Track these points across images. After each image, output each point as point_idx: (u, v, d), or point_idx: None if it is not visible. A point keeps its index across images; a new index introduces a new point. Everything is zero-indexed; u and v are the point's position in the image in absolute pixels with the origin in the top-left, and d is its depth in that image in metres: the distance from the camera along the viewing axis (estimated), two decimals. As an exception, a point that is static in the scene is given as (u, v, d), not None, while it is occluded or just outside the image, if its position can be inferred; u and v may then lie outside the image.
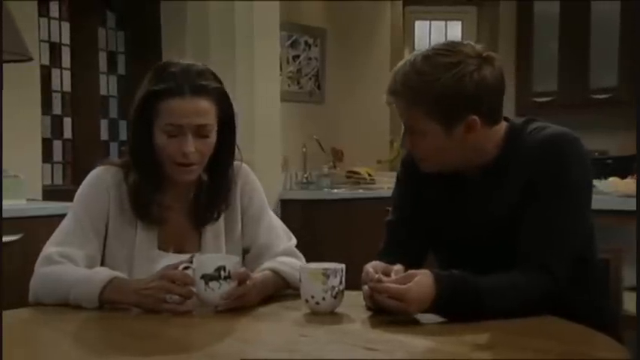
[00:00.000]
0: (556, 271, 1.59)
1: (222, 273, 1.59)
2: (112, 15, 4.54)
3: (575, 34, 4.85)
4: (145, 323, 1.56)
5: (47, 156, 4.17)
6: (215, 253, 1.82)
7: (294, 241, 1.96)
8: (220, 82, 1.81)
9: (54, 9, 4.23)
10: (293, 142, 5.11)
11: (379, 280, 1.52)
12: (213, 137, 1.77)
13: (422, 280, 1.49)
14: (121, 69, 4.62)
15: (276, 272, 1.77)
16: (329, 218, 4.54)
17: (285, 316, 1.61)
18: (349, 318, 1.57)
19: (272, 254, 1.87)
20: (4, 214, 2.86)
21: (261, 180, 1.99)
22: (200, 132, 1.74)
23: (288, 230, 1.99)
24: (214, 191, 1.86)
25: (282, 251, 1.89)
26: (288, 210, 4.57)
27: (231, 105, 1.82)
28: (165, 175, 1.81)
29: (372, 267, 1.58)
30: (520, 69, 5.15)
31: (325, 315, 1.58)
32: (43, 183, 3.99)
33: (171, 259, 1.78)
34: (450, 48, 1.65)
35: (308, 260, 1.76)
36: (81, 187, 1.85)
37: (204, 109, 1.74)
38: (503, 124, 1.73)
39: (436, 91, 1.61)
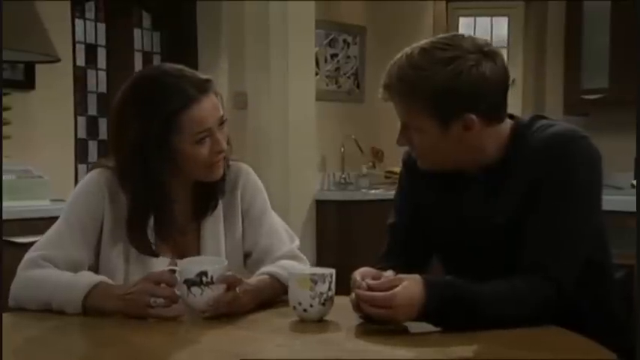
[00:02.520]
0: (560, 276, 1.50)
1: (203, 279, 1.53)
2: (147, 15, 4.55)
3: (627, 29, 4.65)
4: (117, 330, 1.50)
5: (83, 156, 4.19)
6: (203, 256, 1.77)
7: (297, 242, 1.90)
8: None
9: (90, 10, 4.25)
10: (332, 141, 5.04)
11: (369, 288, 1.44)
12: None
13: (410, 285, 1.41)
14: (157, 70, 4.62)
15: (273, 277, 1.71)
16: (365, 219, 4.44)
17: (273, 324, 1.54)
18: (336, 326, 1.50)
19: (273, 258, 1.81)
20: (26, 215, 2.89)
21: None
22: (220, 123, 1.73)
23: (291, 231, 1.94)
24: (211, 184, 1.80)
25: (283, 254, 1.83)
26: (324, 211, 4.49)
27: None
28: (171, 187, 1.76)
29: (360, 274, 1.50)
30: (569, 66, 4.97)
31: (312, 323, 1.51)
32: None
33: (169, 262, 1.74)
34: (449, 42, 1.58)
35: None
36: (75, 190, 1.81)
37: (217, 101, 1.73)
38: (508, 123, 1.64)
39: (431, 87, 1.54)
